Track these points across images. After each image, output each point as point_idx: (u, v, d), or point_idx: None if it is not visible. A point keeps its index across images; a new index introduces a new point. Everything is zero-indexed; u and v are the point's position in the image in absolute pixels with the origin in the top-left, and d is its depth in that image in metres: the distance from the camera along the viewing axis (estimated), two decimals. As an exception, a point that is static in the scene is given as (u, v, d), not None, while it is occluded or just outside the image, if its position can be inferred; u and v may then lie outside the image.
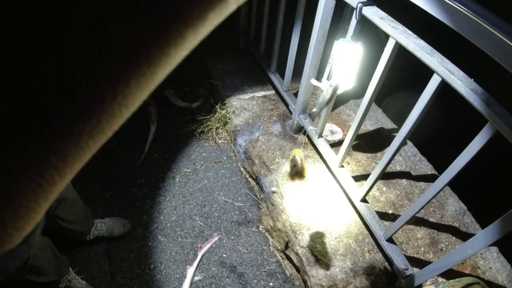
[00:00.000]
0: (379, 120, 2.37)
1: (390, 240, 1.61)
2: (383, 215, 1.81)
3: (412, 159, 2.12)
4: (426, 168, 2.08)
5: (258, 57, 2.78)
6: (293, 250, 1.81)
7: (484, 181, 2.60)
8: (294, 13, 1.96)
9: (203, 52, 3.07)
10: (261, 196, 2.15)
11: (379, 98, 2.24)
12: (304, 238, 1.76)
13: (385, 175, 1.95)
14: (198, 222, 2.09)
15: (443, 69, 1.05)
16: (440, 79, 1.08)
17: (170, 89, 2.84)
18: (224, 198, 2.22)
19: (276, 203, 1.95)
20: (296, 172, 1.90)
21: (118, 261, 1.90)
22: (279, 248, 1.95)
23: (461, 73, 1.02)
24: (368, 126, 2.31)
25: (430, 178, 2.02)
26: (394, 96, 2.95)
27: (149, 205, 2.15)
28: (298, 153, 1.87)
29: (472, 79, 0.99)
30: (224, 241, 2.01)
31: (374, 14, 1.32)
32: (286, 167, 2.07)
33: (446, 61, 1.07)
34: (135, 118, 2.66)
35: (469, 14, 0.91)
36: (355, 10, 1.40)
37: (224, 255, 1.95)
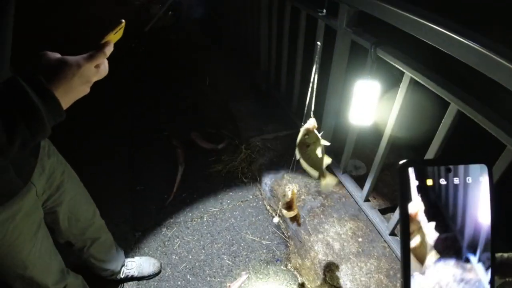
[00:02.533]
0: (402, 152, 2.38)
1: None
2: (413, 250, 1.77)
3: (440, 192, 2.09)
4: (455, 200, 2.04)
5: (280, 98, 2.90)
6: (323, 288, 1.78)
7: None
8: (312, 55, 2.08)
9: (227, 96, 3.23)
10: (289, 233, 2.15)
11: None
12: (334, 276, 1.74)
13: (413, 209, 1.93)
14: (226, 261, 2.10)
15: (458, 100, 1.09)
16: (457, 109, 1.12)
17: (196, 132, 2.98)
18: (252, 236, 2.23)
19: (304, 240, 1.95)
20: (286, 204, 1.72)
21: (148, 301, 1.92)
22: (309, 286, 1.92)
23: (476, 102, 1.06)
24: (392, 160, 2.31)
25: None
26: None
27: (178, 245, 2.19)
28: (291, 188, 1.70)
29: (487, 107, 1.02)
30: (253, 280, 2.00)
31: (388, 53, 1.40)
32: (311, 204, 2.09)
33: (461, 92, 1.12)
34: (163, 160, 2.78)
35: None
36: (369, 51, 1.48)
37: (253, 295, 1.94)
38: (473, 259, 0.36)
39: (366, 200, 1.95)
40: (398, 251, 1.68)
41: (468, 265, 0.36)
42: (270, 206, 2.38)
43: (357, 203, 2.01)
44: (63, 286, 1.42)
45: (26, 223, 1.19)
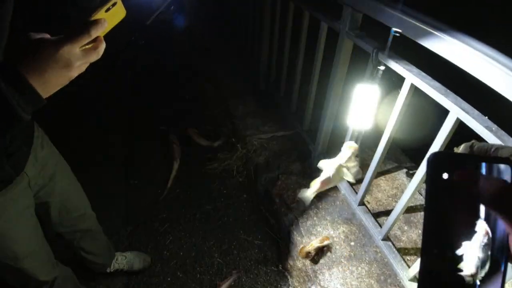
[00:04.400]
0: (399, 159, 2.38)
1: (413, 280, 1.57)
2: (405, 254, 1.77)
3: (434, 199, 2.10)
4: (449, 208, 2.05)
5: (278, 99, 2.89)
6: (313, 290, 1.77)
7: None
8: (313, 57, 2.08)
9: (226, 94, 3.22)
10: (281, 234, 2.15)
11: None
12: (325, 278, 1.74)
13: (407, 214, 1.94)
14: (217, 259, 2.09)
15: (458, 109, 1.09)
16: (456, 117, 1.12)
17: (193, 128, 2.96)
18: (244, 236, 2.22)
19: (296, 242, 1.94)
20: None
21: (137, 296, 1.91)
22: (299, 288, 1.92)
23: (476, 112, 1.06)
24: (388, 165, 2.32)
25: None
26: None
27: (169, 241, 2.18)
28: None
29: (486, 117, 1.02)
30: (243, 280, 1.99)
31: (390, 58, 1.40)
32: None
33: (460, 100, 1.12)
34: (159, 155, 2.76)
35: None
36: (371, 55, 1.48)
37: (243, 294, 1.93)
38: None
39: (360, 204, 1.95)
40: (389, 257, 1.69)
41: None
42: (263, 206, 2.37)
43: (351, 207, 2.01)
44: (53, 278, 1.41)
45: (18, 214, 1.17)
